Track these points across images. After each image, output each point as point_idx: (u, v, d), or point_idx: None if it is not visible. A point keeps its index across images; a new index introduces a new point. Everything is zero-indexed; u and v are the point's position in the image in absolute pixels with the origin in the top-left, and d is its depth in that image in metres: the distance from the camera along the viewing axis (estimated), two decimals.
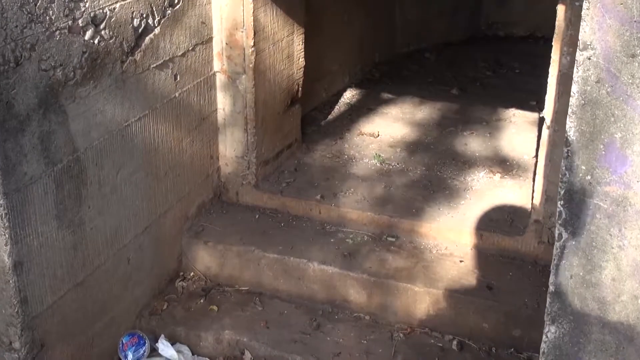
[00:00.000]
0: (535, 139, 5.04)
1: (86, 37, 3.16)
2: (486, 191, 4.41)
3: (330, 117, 5.39)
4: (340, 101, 5.65)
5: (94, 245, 3.42)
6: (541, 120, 3.75)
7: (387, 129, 5.21)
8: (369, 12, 6.12)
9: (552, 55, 3.58)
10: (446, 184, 4.49)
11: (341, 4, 5.63)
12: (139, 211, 3.70)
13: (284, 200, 4.34)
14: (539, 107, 5.57)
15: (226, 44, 4.09)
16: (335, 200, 4.31)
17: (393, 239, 4.10)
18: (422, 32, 6.84)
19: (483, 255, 3.97)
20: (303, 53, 4.63)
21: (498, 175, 4.57)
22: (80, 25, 3.13)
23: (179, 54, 3.82)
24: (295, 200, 4.32)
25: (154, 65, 3.63)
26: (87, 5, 3.12)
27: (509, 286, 3.74)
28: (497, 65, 6.56)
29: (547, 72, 5.98)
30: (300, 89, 4.68)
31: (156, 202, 3.84)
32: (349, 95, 5.76)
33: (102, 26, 3.24)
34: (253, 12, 4.02)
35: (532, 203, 4.03)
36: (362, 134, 5.11)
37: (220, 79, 4.19)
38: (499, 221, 4.08)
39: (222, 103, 4.24)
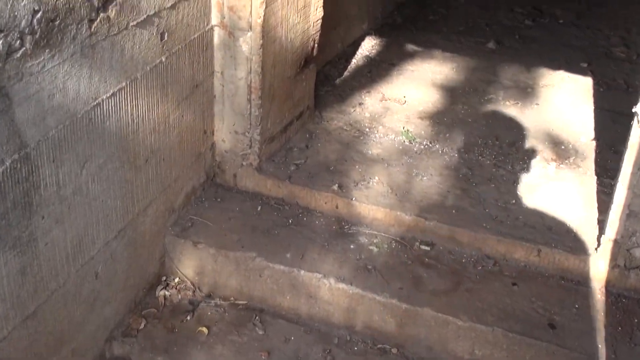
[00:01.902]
0: (592, 114, 4.23)
1: None
2: (540, 186, 3.60)
3: (346, 73, 4.51)
4: (357, 53, 4.76)
5: (49, 264, 2.59)
6: (619, 115, 2.94)
7: (415, 92, 4.35)
8: None
9: None
10: (490, 173, 3.67)
11: None
12: (110, 212, 2.87)
13: (293, 188, 3.51)
14: (591, 70, 4.74)
15: None
16: (356, 191, 3.48)
17: (427, 248, 3.30)
18: None
19: (541, 277, 3.19)
20: (322, 1, 3.72)
21: (553, 164, 3.75)
22: None
23: (168, 5, 2.92)
24: (307, 189, 3.49)
25: (134, 22, 2.74)
26: None
27: (575, 323, 2.97)
28: (536, 12, 5.66)
29: (593, 24, 5.12)
30: (316, 45, 3.80)
31: (134, 197, 3.00)
32: (368, 46, 4.87)
33: None
34: None
35: (601, 216, 3.26)
36: (386, 99, 4.25)
37: (219, 35, 3.30)
38: (559, 232, 3.29)
39: (221, 66, 3.35)
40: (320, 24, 3.76)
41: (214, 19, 3.26)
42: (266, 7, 3.22)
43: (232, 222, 3.39)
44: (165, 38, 2.95)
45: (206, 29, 3.23)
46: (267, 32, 3.28)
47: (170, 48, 3.00)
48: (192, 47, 3.16)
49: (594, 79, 4.60)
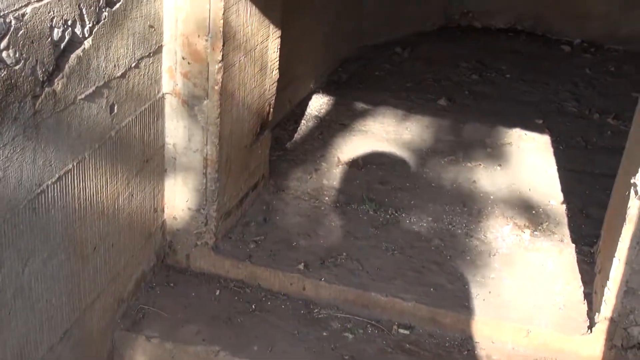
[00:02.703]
0: (556, 174, 4.05)
1: None
2: (517, 256, 3.37)
3: (297, 136, 4.23)
4: (306, 113, 4.49)
5: None
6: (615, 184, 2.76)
7: (371, 156, 4.10)
8: None
9: None
10: (464, 244, 3.43)
11: None
12: (55, 312, 2.49)
13: (254, 269, 3.18)
14: (547, 126, 4.59)
15: (182, 57, 2.87)
16: (324, 270, 3.18)
17: (407, 332, 3.02)
18: (390, 21, 5.72)
19: None
20: (278, 63, 3.45)
21: (527, 231, 3.53)
22: None
23: (118, 74, 2.58)
24: (270, 270, 3.17)
25: (82, 95, 2.40)
26: None
27: None
28: (481, 66, 5.51)
29: (540, 78, 5.00)
30: (271, 109, 3.51)
31: (80, 292, 2.62)
32: (316, 105, 4.60)
33: (2, 45, 1.98)
34: (223, 13, 2.81)
35: (587, 288, 3.07)
36: (342, 164, 3.98)
37: (171, 103, 2.97)
38: (546, 309, 3.06)
39: (173, 137, 3.02)
40: (275, 87, 3.48)
41: (166, 87, 2.94)
42: (224, 73, 2.92)
43: (189, 310, 3.03)
44: (115, 111, 2.61)
45: (157, 97, 2.90)
46: (224, 99, 2.98)
47: (120, 121, 2.66)
48: (143, 119, 2.83)
49: (551, 137, 4.44)
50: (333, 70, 5.11)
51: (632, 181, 2.66)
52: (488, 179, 3.96)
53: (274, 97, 3.49)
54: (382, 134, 4.34)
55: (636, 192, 2.66)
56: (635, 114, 3.01)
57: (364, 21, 5.50)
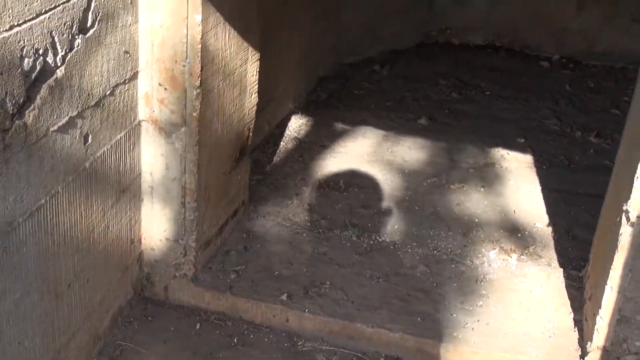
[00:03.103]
0: (541, 194, 3.99)
1: None
2: (504, 282, 3.29)
3: (276, 159, 4.13)
4: (285, 135, 4.39)
5: None
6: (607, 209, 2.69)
7: (353, 178, 4.01)
8: (317, 15, 4.87)
9: None
10: (450, 270, 3.35)
11: (291, 6, 4.36)
12: (28, 355, 2.37)
13: (235, 301, 3.08)
14: (529, 145, 4.53)
15: (159, 83, 2.76)
16: (308, 300, 3.08)
17: None
18: (367, 38, 5.65)
19: None
20: (257, 86, 3.36)
21: (514, 255, 3.45)
22: None
23: (92, 103, 2.48)
24: (252, 301, 3.07)
25: (55, 127, 2.29)
26: None
27: None
28: (461, 83, 5.44)
29: (520, 95, 4.95)
30: (251, 134, 3.41)
31: (55, 332, 2.50)
32: (296, 126, 4.51)
33: None
34: (202, 37, 2.71)
35: (576, 315, 3.00)
36: (323, 187, 3.88)
37: (147, 131, 2.86)
38: (537, 338, 2.98)
39: (150, 165, 2.91)
40: (255, 111, 3.39)
41: (142, 114, 2.83)
42: (202, 99, 2.82)
43: (168, 345, 2.91)
44: (89, 141, 2.50)
45: (133, 125, 2.80)
46: (203, 126, 2.88)
47: (95, 152, 2.55)
48: (119, 147, 2.72)
49: (533, 156, 4.38)
50: (312, 89, 5.02)
51: (624, 207, 2.58)
52: (472, 201, 3.89)
53: (253, 121, 3.39)
54: (364, 155, 4.26)
55: (628, 219, 2.59)
56: (622, 138, 2.96)
57: (342, 39, 5.41)
